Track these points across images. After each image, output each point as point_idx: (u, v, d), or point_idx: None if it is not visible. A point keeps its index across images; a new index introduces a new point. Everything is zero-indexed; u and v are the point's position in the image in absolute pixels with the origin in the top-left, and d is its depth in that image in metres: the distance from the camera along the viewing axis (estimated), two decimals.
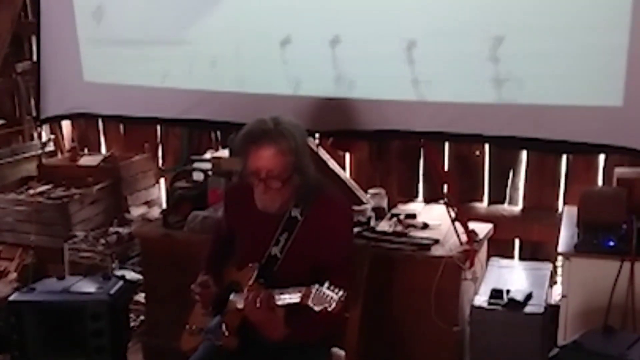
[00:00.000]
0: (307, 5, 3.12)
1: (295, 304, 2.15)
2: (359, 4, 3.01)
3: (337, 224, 2.41)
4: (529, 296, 2.86)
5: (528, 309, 2.81)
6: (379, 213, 3.27)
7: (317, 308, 2.08)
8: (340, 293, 2.08)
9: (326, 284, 2.10)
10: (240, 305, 2.32)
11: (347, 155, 3.85)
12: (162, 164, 4.56)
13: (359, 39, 3.01)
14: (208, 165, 3.56)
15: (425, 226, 3.14)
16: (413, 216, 3.26)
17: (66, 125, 4.79)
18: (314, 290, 2.10)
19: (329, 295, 2.08)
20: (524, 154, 3.54)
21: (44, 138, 4.73)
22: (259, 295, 2.22)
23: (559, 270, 3.12)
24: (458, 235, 2.96)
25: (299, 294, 2.13)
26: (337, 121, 3.12)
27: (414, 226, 3.14)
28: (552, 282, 3.14)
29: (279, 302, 2.19)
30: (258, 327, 2.24)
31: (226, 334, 2.34)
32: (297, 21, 3.13)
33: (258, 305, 2.20)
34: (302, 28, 3.12)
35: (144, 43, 3.50)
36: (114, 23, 3.56)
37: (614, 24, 2.61)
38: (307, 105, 3.14)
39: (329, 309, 2.07)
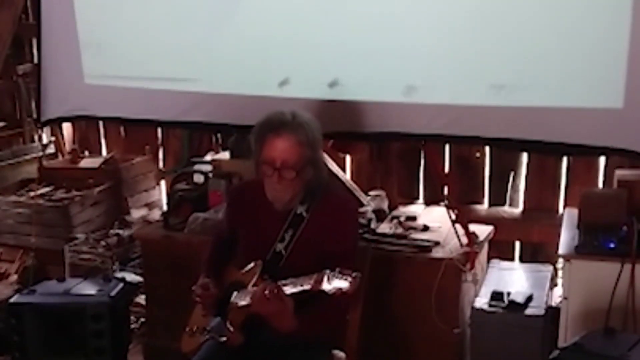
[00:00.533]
0: (306, 49, 3.12)
1: (304, 292, 2.14)
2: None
3: (343, 221, 2.42)
4: (529, 298, 2.86)
5: (529, 311, 2.81)
6: (380, 215, 3.27)
7: (331, 291, 2.06)
8: (355, 273, 2.07)
9: (337, 269, 2.09)
10: (243, 302, 2.32)
11: (348, 157, 3.85)
12: (163, 166, 4.56)
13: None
14: (208, 167, 3.56)
15: (425, 228, 3.14)
16: (413, 218, 3.26)
17: (67, 127, 4.79)
18: (326, 275, 2.09)
19: (342, 277, 2.06)
20: (524, 156, 3.54)
21: (45, 140, 4.73)
22: (269, 287, 2.21)
23: (560, 272, 3.11)
24: (458, 237, 2.96)
25: (310, 281, 2.12)
26: (337, 123, 3.12)
27: (414, 228, 3.14)
28: (553, 284, 3.13)
29: (289, 291, 2.18)
30: (268, 320, 2.23)
31: (231, 329, 2.34)
32: (296, 63, 3.15)
33: (267, 295, 2.18)
34: (301, 70, 3.15)
35: (142, 79, 3.53)
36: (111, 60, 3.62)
37: (614, 26, 2.61)
38: (307, 107, 3.13)
39: (344, 290, 2.05)
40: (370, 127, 3.08)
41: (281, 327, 2.22)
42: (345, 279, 2.06)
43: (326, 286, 2.07)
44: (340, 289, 2.05)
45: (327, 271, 2.10)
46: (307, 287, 2.13)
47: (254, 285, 2.34)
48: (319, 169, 2.40)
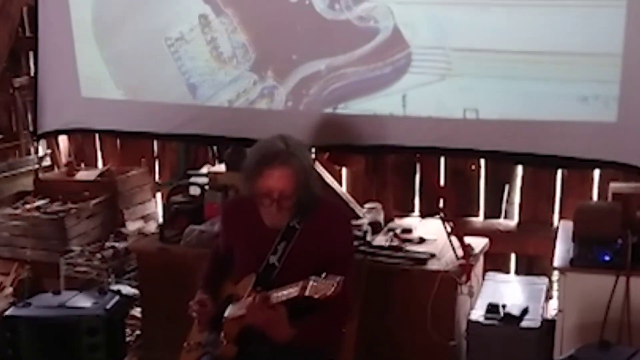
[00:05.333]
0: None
1: (295, 298, 2.16)
2: None
3: (335, 229, 2.43)
4: (525, 311, 2.86)
5: (524, 323, 2.80)
6: (375, 227, 3.28)
7: (316, 296, 2.09)
8: (338, 278, 2.09)
9: (323, 275, 2.13)
10: (238, 313, 2.33)
11: (344, 170, 3.86)
12: (159, 179, 4.56)
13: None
14: (204, 180, 3.57)
15: (421, 240, 3.14)
16: (409, 230, 3.26)
17: (63, 139, 4.78)
18: (311, 280, 2.12)
19: (326, 282, 2.10)
20: (519, 169, 3.55)
21: (41, 153, 4.71)
22: (259, 297, 2.24)
23: (555, 285, 3.12)
24: (454, 250, 2.97)
25: (298, 287, 2.15)
26: (333, 136, 3.14)
27: (410, 240, 3.14)
28: (548, 297, 3.14)
29: (278, 299, 2.20)
30: (263, 330, 2.24)
31: (224, 343, 2.34)
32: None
33: (257, 304, 2.21)
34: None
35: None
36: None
37: (607, 41, 2.63)
38: (303, 119, 3.16)
39: (328, 294, 2.08)
40: (366, 140, 3.10)
41: (276, 336, 2.24)
42: (329, 284, 2.08)
43: (310, 292, 2.10)
44: (324, 293, 2.08)
45: (313, 277, 2.13)
46: (294, 293, 2.16)
47: (247, 297, 2.35)
48: (313, 186, 2.41)
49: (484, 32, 2.83)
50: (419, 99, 3.01)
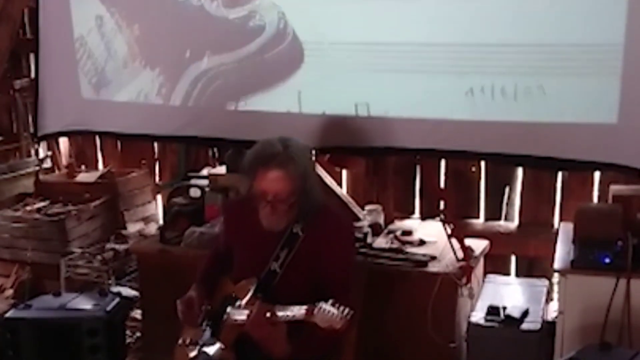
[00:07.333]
0: None
1: (298, 320, 2.16)
2: None
3: (338, 240, 2.42)
4: (525, 313, 2.86)
5: (525, 325, 2.80)
6: (376, 229, 3.28)
7: (323, 325, 2.08)
8: (346, 311, 2.08)
9: (330, 302, 2.11)
10: (239, 319, 2.32)
11: (344, 172, 3.86)
12: (159, 180, 4.57)
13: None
14: (205, 182, 3.57)
15: (421, 242, 3.14)
16: (410, 232, 3.26)
17: (63, 141, 4.79)
18: (318, 308, 2.11)
19: (334, 314, 2.08)
20: (519, 170, 3.55)
21: (41, 154, 4.72)
22: (262, 310, 2.22)
23: (555, 287, 3.12)
24: (454, 252, 2.97)
25: (304, 311, 2.14)
26: (334, 138, 3.14)
27: (410, 242, 3.14)
28: (549, 299, 3.14)
29: (283, 318, 2.19)
30: (260, 344, 2.24)
31: (222, 348, 2.34)
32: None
33: (263, 320, 2.20)
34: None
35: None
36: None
37: (608, 42, 2.63)
38: (304, 122, 3.17)
39: (336, 327, 2.07)
40: (367, 142, 3.10)
41: (273, 352, 2.23)
42: (338, 317, 2.07)
43: (318, 319, 2.09)
44: (332, 326, 2.08)
45: (321, 304, 2.11)
46: (300, 317, 2.15)
47: (248, 302, 2.34)
48: (313, 192, 2.38)
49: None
50: (313, 95, 3.15)
